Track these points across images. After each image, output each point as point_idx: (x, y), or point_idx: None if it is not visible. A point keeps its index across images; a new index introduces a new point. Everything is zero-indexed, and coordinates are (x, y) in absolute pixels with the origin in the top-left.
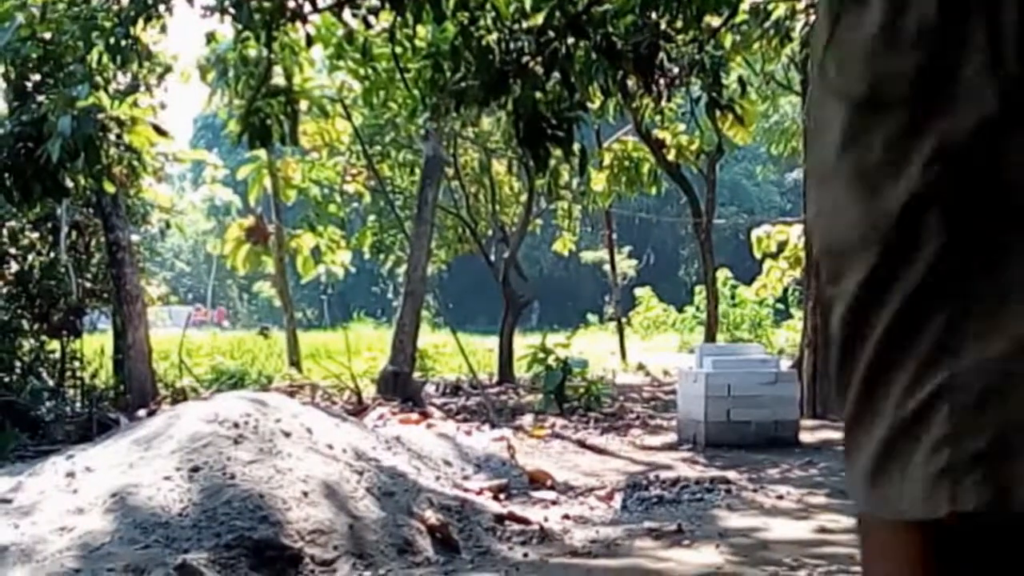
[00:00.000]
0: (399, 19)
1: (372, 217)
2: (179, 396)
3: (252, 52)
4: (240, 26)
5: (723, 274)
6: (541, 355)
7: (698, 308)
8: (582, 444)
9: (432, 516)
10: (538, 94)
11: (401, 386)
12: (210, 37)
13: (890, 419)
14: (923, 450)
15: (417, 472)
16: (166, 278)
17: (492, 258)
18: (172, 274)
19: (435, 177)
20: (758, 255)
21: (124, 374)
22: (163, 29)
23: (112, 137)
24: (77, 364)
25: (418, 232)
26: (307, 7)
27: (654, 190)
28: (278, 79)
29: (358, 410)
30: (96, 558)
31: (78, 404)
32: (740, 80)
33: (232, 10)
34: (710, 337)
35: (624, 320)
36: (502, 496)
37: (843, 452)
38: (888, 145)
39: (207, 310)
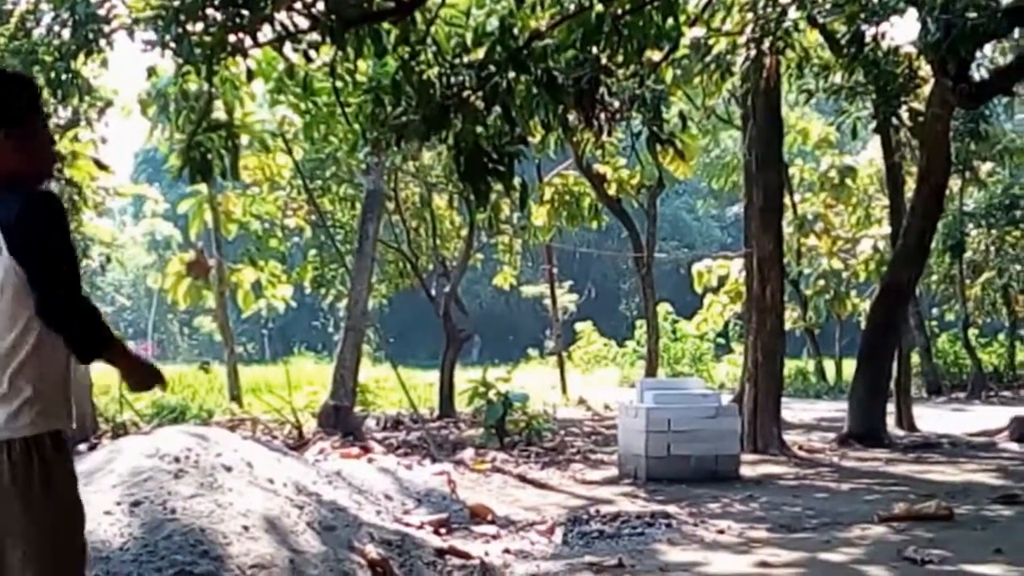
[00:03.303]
0: (340, 54)
1: (313, 251)
2: (120, 431)
3: (193, 86)
4: (181, 60)
5: (664, 308)
6: (482, 389)
7: (639, 342)
8: (523, 478)
9: (373, 550)
10: (479, 128)
11: (342, 420)
12: (151, 71)
13: None
14: None
15: (358, 506)
16: (107, 313)
17: (433, 292)
18: (113, 309)
19: (376, 211)
20: (699, 289)
21: None
22: (104, 63)
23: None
24: None
25: (359, 266)
26: (248, 41)
27: (595, 224)
28: (219, 113)
29: (299, 444)
30: None
31: None
32: (681, 114)
33: (173, 44)
34: (651, 371)
35: (565, 354)
36: (443, 530)
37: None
38: None
39: (149, 345)
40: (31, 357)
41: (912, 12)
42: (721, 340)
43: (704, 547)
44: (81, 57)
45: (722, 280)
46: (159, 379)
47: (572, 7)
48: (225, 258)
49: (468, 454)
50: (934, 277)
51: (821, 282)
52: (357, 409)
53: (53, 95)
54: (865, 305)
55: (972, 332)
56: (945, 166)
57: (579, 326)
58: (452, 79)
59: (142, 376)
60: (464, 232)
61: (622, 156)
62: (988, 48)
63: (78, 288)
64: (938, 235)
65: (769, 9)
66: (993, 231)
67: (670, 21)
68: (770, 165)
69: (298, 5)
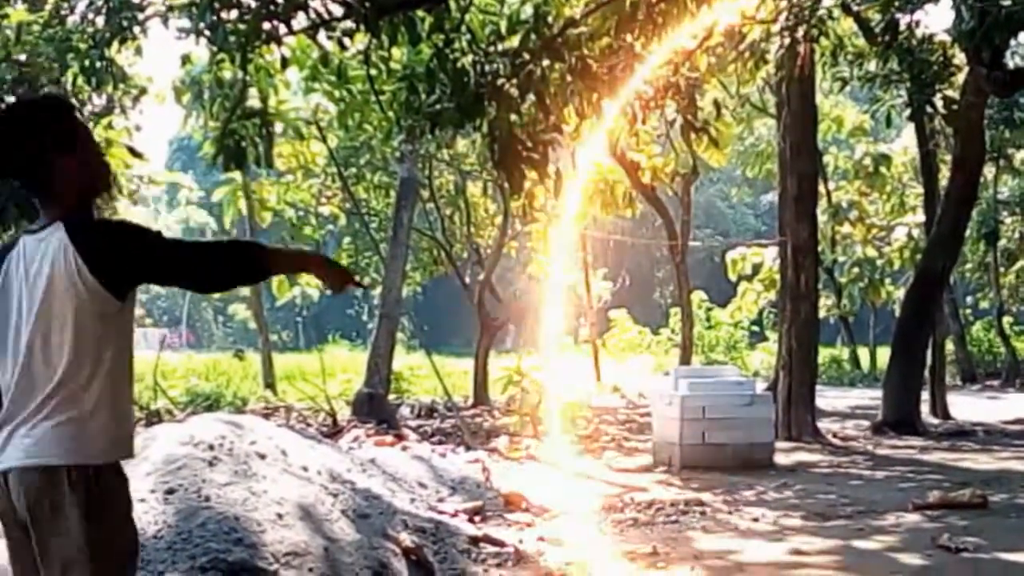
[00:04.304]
0: (374, 41)
1: (347, 239)
2: (154, 418)
3: (227, 74)
4: (215, 48)
5: (698, 296)
6: (516, 377)
7: (673, 330)
8: (557, 466)
9: (407, 538)
10: (513, 116)
11: (376, 408)
12: (185, 59)
13: None
14: None
15: (392, 494)
16: (141, 300)
17: (467, 280)
18: (147, 296)
19: (410, 199)
20: (733, 277)
21: None
22: (138, 51)
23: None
24: None
25: (393, 254)
26: (282, 29)
27: (629, 212)
28: (253, 101)
29: (333, 432)
30: None
31: None
32: (715, 102)
33: (207, 32)
34: (685, 359)
35: (599, 342)
36: (477, 518)
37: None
38: None
39: (182, 333)
40: (106, 382)
41: (946, 0)
42: (755, 328)
43: (738, 535)
44: (115, 44)
45: (756, 268)
46: (342, 275)
47: None
48: None
49: (502, 442)
50: (968, 265)
51: (855, 270)
52: (391, 397)
53: (87, 82)
54: (899, 293)
55: (1006, 320)
56: (979, 154)
57: (613, 314)
58: (486, 67)
59: (325, 274)
60: (498, 220)
61: (656, 144)
62: (1023, 36)
63: (195, 250)
64: (972, 223)
65: None
66: None
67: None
68: (804, 153)
69: None
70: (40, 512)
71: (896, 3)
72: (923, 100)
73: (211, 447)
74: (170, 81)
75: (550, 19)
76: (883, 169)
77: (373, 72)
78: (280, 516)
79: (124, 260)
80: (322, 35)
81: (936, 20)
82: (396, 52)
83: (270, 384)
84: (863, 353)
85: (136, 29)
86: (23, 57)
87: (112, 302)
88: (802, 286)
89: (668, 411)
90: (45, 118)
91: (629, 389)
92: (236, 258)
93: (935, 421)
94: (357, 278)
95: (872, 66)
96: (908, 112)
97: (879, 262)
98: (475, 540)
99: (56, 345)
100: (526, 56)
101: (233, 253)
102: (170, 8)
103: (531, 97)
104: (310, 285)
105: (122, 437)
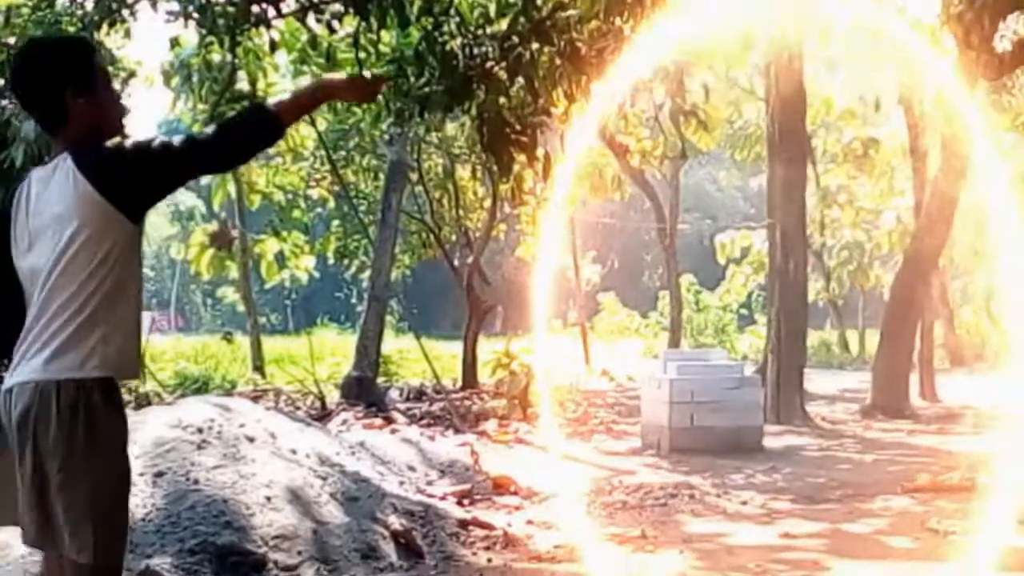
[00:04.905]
0: (363, 24)
1: (336, 222)
2: (142, 401)
3: (216, 57)
4: (204, 31)
5: (687, 279)
6: (505, 360)
7: (662, 314)
8: (546, 450)
9: (396, 521)
10: (502, 99)
11: (365, 391)
12: (174, 42)
13: None
14: None
15: (381, 477)
16: None
17: (456, 263)
18: None
19: (399, 182)
20: (722, 261)
21: None
22: (127, 34)
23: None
24: None
25: (382, 237)
26: (271, 12)
27: (618, 195)
28: (242, 84)
29: (322, 415)
30: None
31: None
32: (704, 85)
33: (196, 15)
34: (674, 343)
35: (588, 325)
36: (466, 501)
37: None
38: None
39: (171, 316)
40: (109, 302)
41: None
42: (744, 311)
43: (727, 518)
44: (104, 28)
45: (745, 251)
46: (366, 84)
47: None
48: (248, 229)
49: (491, 425)
50: (957, 248)
51: (844, 253)
52: (380, 380)
53: None
54: (888, 276)
55: (995, 304)
56: (968, 138)
57: (602, 297)
58: (475, 50)
59: (348, 94)
60: (487, 203)
61: (645, 127)
62: (1012, 20)
63: (203, 144)
64: (961, 206)
65: None
66: None
67: None
68: (793, 136)
69: None
70: (26, 424)
71: None
72: (912, 83)
73: (200, 430)
74: (159, 64)
75: (539, 2)
76: (872, 152)
77: (362, 55)
78: (269, 499)
79: (138, 181)
80: (311, 18)
81: (925, 3)
82: (385, 35)
83: (259, 367)
84: (852, 336)
85: (125, 12)
86: (12, 40)
87: (125, 223)
88: (791, 269)
89: (657, 394)
90: (64, 58)
91: (618, 372)
92: (246, 132)
93: (924, 404)
94: (374, 74)
95: (861, 50)
96: (897, 95)
97: (868, 246)
98: (464, 523)
99: (62, 269)
100: (515, 39)
101: (242, 129)
102: None
103: (520, 80)
104: (299, 268)
105: (118, 356)
